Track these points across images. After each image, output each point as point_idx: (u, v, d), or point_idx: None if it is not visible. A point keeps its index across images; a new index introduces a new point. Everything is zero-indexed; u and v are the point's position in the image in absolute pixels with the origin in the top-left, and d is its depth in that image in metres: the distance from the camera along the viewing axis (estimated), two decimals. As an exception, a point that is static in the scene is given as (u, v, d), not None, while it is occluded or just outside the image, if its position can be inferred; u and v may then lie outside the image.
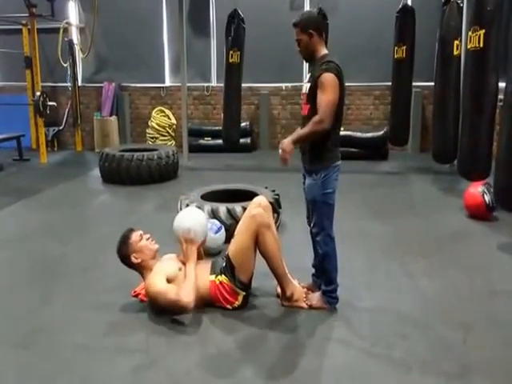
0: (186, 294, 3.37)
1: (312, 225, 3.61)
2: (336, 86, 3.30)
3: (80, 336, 3.33)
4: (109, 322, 3.50)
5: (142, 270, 3.63)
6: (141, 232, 3.70)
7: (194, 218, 3.76)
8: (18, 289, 4.09)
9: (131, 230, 3.70)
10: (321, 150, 3.45)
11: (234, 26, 8.47)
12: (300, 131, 3.45)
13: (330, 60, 3.36)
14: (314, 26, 3.44)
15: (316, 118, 3.31)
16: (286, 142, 3.34)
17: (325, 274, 3.63)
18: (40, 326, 3.47)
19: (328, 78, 3.29)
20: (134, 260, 3.60)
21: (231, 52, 8.54)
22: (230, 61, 8.58)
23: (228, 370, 2.93)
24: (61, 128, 11.26)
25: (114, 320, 3.53)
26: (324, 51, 3.48)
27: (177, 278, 3.52)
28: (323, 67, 3.33)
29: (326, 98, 3.29)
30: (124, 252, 3.63)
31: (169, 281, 3.49)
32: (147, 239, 3.68)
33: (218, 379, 2.85)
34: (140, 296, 3.71)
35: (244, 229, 3.58)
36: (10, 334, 3.38)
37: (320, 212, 3.50)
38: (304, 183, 3.65)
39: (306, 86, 3.49)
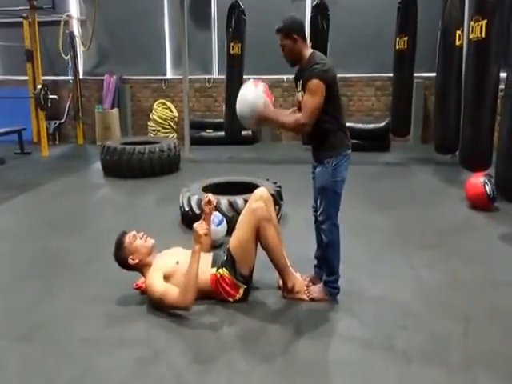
0: (184, 296, 3.34)
1: (319, 213, 3.61)
2: (320, 91, 3.29)
3: (82, 329, 3.34)
4: (110, 314, 3.51)
5: (141, 268, 3.64)
6: (134, 232, 3.68)
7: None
8: (20, 282, 4.11)
9: (124, 234, 3.68)
10: (330, 139, 3.46)
11: (235, 18, 8.45)
12: (280, 115, 3.45)
13: (315, 62, 3.35)
14: (298, 30, 3.43)
15: (300, 120, 3.32)
16: (264, 114, 3.37)
17: (327, 263, 3.64)
18: (42, 319, 3.48)
19: (312, 84, 3.28)
20: (131, 262, 3.59)
21: (232, 44, 8.52)
22: (232, 52, 8.57)
23: (228, 362, 2.94)
24: (62, 121, 11.28)
25: (116, 313, 3.54)
26: (309, 51, 3.47)
27: (175, 272, 3.51)
28: (307, 74, 3.34)
29: (312, 103, 3.30)
30: (121, 257, 3.63)
31: (167, 277, 3.49)
32: (141, 238, 3.66)
33: (218, 371, 2.86)
34: (142, 289, 3.71)
35: (245, 223, 3.58)
36: (12, 327, 3.39)
37: (328, 200, 3.50)
38: (313, 173, 3.66)
39: (300, 94, 3.48)
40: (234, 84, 8.76)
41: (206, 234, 3.48)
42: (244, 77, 8.93)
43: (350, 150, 3.54)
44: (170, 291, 3.40)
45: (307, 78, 3.32)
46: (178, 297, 3.36)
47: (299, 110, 3.48)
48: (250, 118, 3.44)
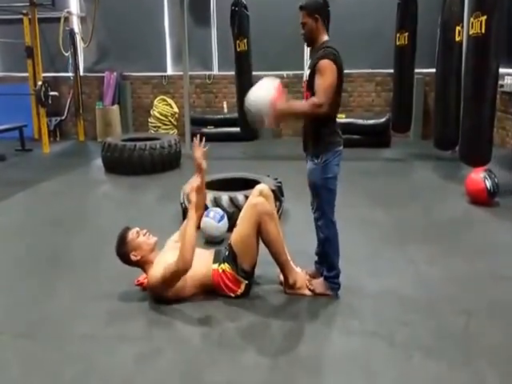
0: (182, 257, 3.36)
1: (314, 210, 3.63)
2: (333, 70, 3.31)
3: (83, 325, 3.36)
4: (112, 311, 3.53)
5: (143, 265, 3.65)
6: (137, 229, 3.70)
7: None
8: (21, 279, 4.12)
9: (127, 229, 3.70)
10: (321, 135, 3.46)
11: (238, 14, 8.45)
12: (295, 105, 3.44)
13: (327, 46, 3.39)
14: (320, 11, 3.46)
15: (315, 101, 3.29)
16: (279, 111, 3.28)
17: (326, 259, 3.66)
18: (42, 316, 3.50)
19: (324, 63, 3.31)
20: (133, 258, 3.61)
21: (238, 41, 8.53)
22: (238, 50, 8.57)
23: (231, 358, 2.96)
24: (63, 118, 11.28)
25: (117, 309, 3.56)
26: (325, 38, 3.50)
27: None
28: (320, 53, 3.37)
29: (324, 82, 3.30)
30: (123, 252, 3.64)
31: None
32: (144, 235, 3.68)
33: (220, 367, 2.88)
34: (143, 285, 3.73)
35: (246, 218, 3.60)
36: (13, 325, 3.41)
37: (321, 197, 3.52)
38: None
39: (306, 74, 3.51)
40: (244, 81, 8.78)
41: (199, 188, 3.64)
42: (253, 73, 8.95)
43: (341, 147, 3.54)
44: (168, 265, 3.43)
45: (318, 58, 3.34)
46: (176, 262, 3.38)
47: (306, 90, 3.50)
48: (263, 116, 3.33)
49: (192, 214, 3.51)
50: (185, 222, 3.63)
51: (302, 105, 3.45)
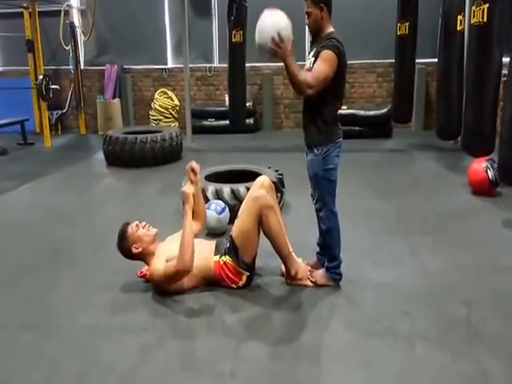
0: (182, 257, 3.38)
1: (315, 201, 3.62)
2: (333, 63, 3.30)
3: (87, 317, 3.37)
4: (115, 302, 3.54)
5: (145, 257, 3.67)
6: (136, 222, 3.71)
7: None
8: (24, 272, 4.13)
9: (126, 224, 3.71)
10: (321, 127, 3.46)
11: (236, 5, 8.40)
12: (296, 67, 3.27)
13: (333, 37, 3.37)
14: (325, 0, 3.43)
15: (308, 80, 3.25)
16: (285, 52, 3.23)
17: (328, 250, 3.66)
18: (46, 307, 3.52)
19: (328, 53, 3.30)
20: (134, 251, 3.62)
21: (234, 32, 8.48)
22: (233, 40, 8.52)
23: (233, 348, 2.96)
24: (64, 111, 11.27)
25: (120, 300, 3.57)
26: (330, 29, 3.48)
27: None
28: (324, 44, 3.34)
29: (323, 69, 3.29)
30: (124, 247, 3.66)
31: (169, 261, 3.50)
32: (143, 227, 3.69)
33: (223, 357, 2.88)
34: (146, 277, 3.73)
35: (247, 211, 3.60)
36: (17, 316, 3.42)
37: (322, 188, 3.52)
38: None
39: (310, 61, 3.48)
40: (236, 73, 8.73)
41: (193, 194, 3.64)
42: (247, 65, 8.90)
43: (341, 138, 3.54)
44: (169, 263, 3.45)
45: (322, 48, 3.33)
46: (176, 262, 3.39)
47: None
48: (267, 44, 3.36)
49: (189, 215, 3.55)
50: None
51: (298, 71, 3.28)
